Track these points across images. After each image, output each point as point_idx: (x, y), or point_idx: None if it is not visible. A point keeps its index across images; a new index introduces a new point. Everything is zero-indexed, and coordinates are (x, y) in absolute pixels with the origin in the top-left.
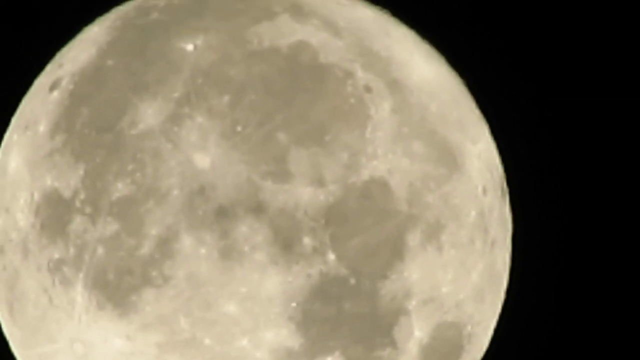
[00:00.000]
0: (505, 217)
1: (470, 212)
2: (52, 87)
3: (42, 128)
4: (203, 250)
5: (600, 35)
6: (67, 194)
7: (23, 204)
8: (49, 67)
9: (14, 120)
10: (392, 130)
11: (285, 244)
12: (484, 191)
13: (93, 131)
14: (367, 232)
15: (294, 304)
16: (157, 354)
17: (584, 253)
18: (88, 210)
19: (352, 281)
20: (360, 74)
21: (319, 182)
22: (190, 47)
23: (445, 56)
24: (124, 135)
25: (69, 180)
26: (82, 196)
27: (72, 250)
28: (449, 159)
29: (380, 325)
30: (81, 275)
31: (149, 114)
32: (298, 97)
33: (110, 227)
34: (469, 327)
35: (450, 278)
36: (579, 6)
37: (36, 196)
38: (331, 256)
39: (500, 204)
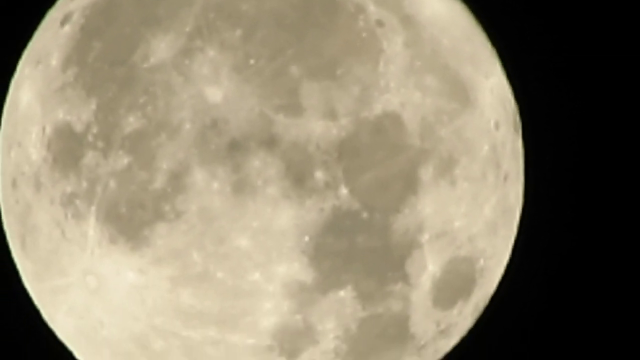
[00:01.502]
0: (517, 151)
1: (482, 146)
2: (64, 21)
3: (54, 62)
4: (215, 185)
5: None
6: (79, 127)
7: (35, 138)
8: (60, 1)
9: (25, 55)
10: (405, 64)
11: (298, 178)
12: (497, 125)
13: (105, 65)
14: (380, 166)
15: (306, 238)
16: (169, 288)
17: (596, 185)
18: (100, 144)
19: (365, 215)
20: (372, 8)
21: (331, 116)
22: None
23: None
24: (136, 69)
25: (80, 114)
26: (94, 130)
27: (84, 184)
28: (461, 93)
29: (392, 259)
30: (93, 209)
31: (161, 47)
32: (310, 32)
33: (122, 161)
34: (481, 261)
35: (463, 212)
36: None
37: (48, 130)
38: (344, 190)
39: (513, 138)
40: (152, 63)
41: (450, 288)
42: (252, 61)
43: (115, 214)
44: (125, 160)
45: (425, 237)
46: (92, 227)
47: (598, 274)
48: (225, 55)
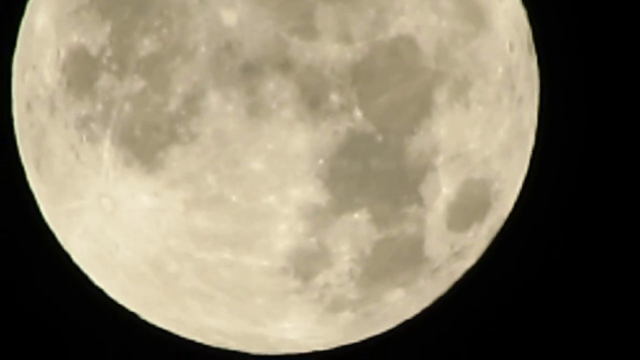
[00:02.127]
0: (532, 74)
1: (497, 68)
2: None
3: None
4: (230, 107)
5: None
6: (93, 50)
7: (50, 61)
8: None
9: None
10: None
11: (313, 101)
12: (511, 47)
13: None
14: (395, 89)
15: (321, 161)
16: (184, 211)
17: (610, 107)
18: (115, 67)
19: (379, 138)
20: None
21: (346, 39)
22: None
23: None
24: None
25: (95, 37)
26: (108, 53)
27: (99, 107)
28: (476, 15)
29: (407, 182)
30: (108, 132)
31: None
32: None
33: (137, 84)
34: (496, 184)
35: (477, 135)
36: None
37: (62, 53)
38: (358, 113)
39: (527, 61)
40: None
41: (465, 210)
42: None
43: (130, 137)
44: (140, 83)
45: (439, 160)
46: (107, 150)
47: (612, 198)
48: None
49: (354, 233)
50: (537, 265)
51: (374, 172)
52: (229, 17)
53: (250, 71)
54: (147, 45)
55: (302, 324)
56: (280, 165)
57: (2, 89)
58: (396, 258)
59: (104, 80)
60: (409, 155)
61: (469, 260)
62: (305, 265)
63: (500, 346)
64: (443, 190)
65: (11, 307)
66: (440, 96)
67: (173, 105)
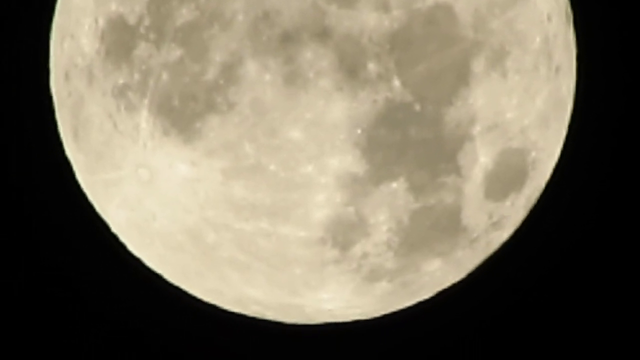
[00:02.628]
0: (569, 43)
1: (534, 37)
2: None
3: None
4: (267, 76)
5: None
6: (131, 19)
7: (87, 30)
8: None
9: None
10: None
11: (350, 69)
12: (549, 17)
13: None
14: (432, 58)
15: (359, 130)
16: (221, 180)
17: None
18: (152, 36)
19: (417, 107)
20: None
21: (384, 7)
22: None
23: None
24: None
25: (133, 5)
26: (146, 22)
27: (136, 75)
28: None
29: (444, 151)
30: (146, 101)
31: None
32: None
33: (174, 53)
34: (533, 153)
35: (515, 104)
36: None
37: (100, 22)
38: (396, 82)
39: (565, 30)
40: None
41: (502, 180)
42: None
43: (168, 106)
44: (177, 52)
45: (477, 129)
46: (144, 120)
47: None
48: None
49: (392, 202)
50: (574, 236)
51: (411, 142)
52: None
53: (288, 40)
54: (184, 14)
55: (340, 294)
56: (318, 134)
57: (40, 58)
58: (434, 227)
59: (142, 49)
60: (447, 125)
61: (507, 231)
62: (343, 235)
63: (536, 317)
64: (480, 159)
65: (50, 277)
66: (478, 65)
67: (210, 74)
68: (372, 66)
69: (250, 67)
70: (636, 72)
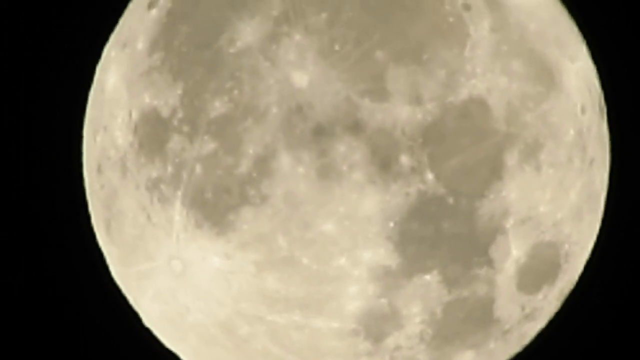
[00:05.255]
0: (603, 136)
1: (568, 130)
2: (151, 5)
3: (141, 45)
4: (301, 169)
5: None
6: (165, 112)
7: (121, 122)
8: None
9: (112, 38)
10: (491, 49)
11: (383, 162)
12: (583, 109)
13: (191, 49)
14: (465, 151)
15: (391, 223)
16: (255, 273)
17: None
18: (186, 128)
19: (450, 200)
20: None
21: (417, 100)
22: None
23: None
24: (222, 53)
25: (167, 98)
26: (180, 114)
27: (170, 168)
28: (547, 77)
29: (477, 244)
30: (179, 194)
31: (247, 32)
32: (396, 15)
33: (208, 145)
34: (566, 247)
35: (549, 197)
36: None
37: (134, 114)
38: (429, 175)
39: (599, 122)
40: (238, 47)
41: (535, 273)
42: (337, 46)
43: (201, 199)
44: (211, 144)
45: (510, 222)
46: (177, 212)
47: None
48: (311, 39)
49: (425, 295)
50: (608, 326)
51: (444, 235)
52: (300, 79)
53: (321, 133)
54: (218, 107)
55: None
56: (351, 227)
57: (73, 151)
58: (467, 319)
59: (175, 142)
60: (480, 218)
61: (540, 323)
62: (376, 327)
63: None
64: (513, 252)
65: None
66: (511, 158)
67: (244, 166)
68: (405, 159)
69: (284, 160)
70: None
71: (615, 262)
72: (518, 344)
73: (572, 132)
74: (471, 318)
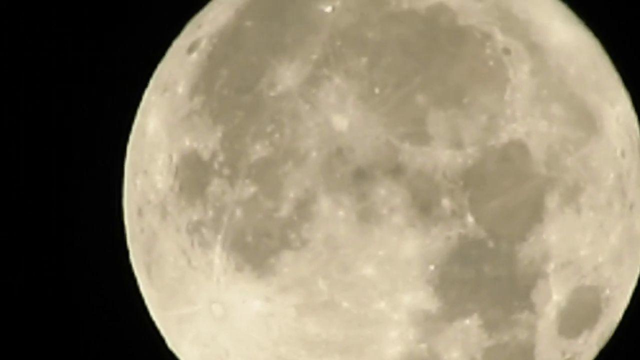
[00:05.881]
0: None
1: (608, 174)
2: (191, 49)
3: (181, 89)
4: (341, 213)
5: None
6: (205, 155)
7: (161, 166)
8: (187, 29)
9: (152, 82)
10: (531, 93)
11: (424, 206)
12: (623, 154)
13: (232, 93)
14: (506, 195)
15: (432, 267)
16: (295, 316)
17: None
18: (226, 172)
19: (491, 244)
20: (499, 36)
21: (458, 144)
22: (328, 8)
23: (584, 19)
24: (263, 96)
25: (207, 141)
26: (220, 158)
27: (210, 212)
28: (587, 122)
29: (518, 289)
30: (220, 237)
31: (287, 75)
32: (436, 59)
33: (248, 189)
34: (607, 291)
35: (589, 241)
36: None
37: (175, 158)
38: (470, 219)
39: (639, 166)
40: (278, 91)
41: (576, 317)
42: (377, 90)
43: (242, 243)
44: (251, 188)
45: (550, 267)
46: (218, 256)
47: None
48: (351, 83)
49: (465, 339)
50: None
51: (485, 279)
52: (340, 123)
53: (362, 177)
54: (258, 150)
55: None
56: (391, 271)
57: (113, 195)
58: None
59: (216, 186)
60: (520, 262)
61: None
62: None
63: None
64: (554, 297)
65: None
66: (552, 202)
67: (284, 210)
68: (445, 202)
69: (324, 204)
70: None
71: None
72: None
73: (612, 176)
74: None
